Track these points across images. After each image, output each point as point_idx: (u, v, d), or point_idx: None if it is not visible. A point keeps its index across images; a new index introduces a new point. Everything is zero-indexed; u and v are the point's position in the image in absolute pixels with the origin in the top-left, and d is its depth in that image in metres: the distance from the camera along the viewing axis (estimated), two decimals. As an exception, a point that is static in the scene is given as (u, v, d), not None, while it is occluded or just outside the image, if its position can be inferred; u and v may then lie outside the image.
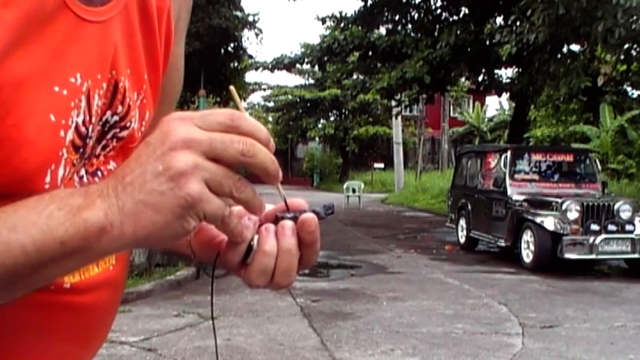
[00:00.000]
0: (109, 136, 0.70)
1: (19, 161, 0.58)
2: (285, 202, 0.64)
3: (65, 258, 0.54)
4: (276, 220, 0.64)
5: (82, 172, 0.68)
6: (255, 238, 0.63)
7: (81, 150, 0.65)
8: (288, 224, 0.63)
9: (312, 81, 39.21)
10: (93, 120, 0.65)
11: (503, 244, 10.14)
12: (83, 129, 0.64)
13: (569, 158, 11.06)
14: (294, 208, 0.65)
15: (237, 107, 0.61)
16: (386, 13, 16.97)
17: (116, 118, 0.69)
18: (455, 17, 16.66)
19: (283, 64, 19.94)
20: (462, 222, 11.77)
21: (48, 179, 0.61)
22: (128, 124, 0.71)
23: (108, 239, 0.54)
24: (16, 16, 0.56)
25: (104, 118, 0.68)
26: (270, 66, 20.74)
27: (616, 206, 8.99)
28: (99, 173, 0.71)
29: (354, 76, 21.47)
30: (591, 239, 8.76)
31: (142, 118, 0.74)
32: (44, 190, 0.61)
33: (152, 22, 0.74)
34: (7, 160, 0.57)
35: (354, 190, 22.17)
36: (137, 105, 0.72)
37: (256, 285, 0.64)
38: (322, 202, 0.62)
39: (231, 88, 0.67)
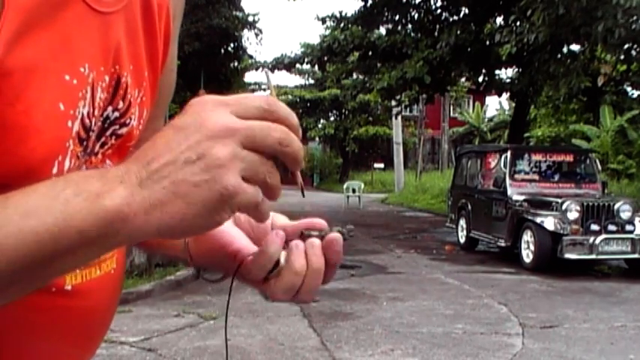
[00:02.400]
0: (108, 132, 0.69)
1: (27, 150, 0.57)
2: (302, 189, 0.62)
3: (83, 247, 0.51)
4: (301, 236, 0.63)
5: (83, 168, 0.67)
6: (283, 254, 0.63)
7: (84, 143, 0.65)
8: (317, 243, 0.62)
9: (312, 81, 39.21)
10: (96, 113, 0.65)
11: (503, 244, 10.14)
12: (87, 121, 0.64)
13: (570, 158, 11.06)
14: (316, 227, 0.65)
15: (270, 92, 0.60)
16: (386, 13, 16.97)
17: (117, 114, 0.69)
18: (455, 17, 16.67)
19: (283, 64, 19.94)
20: (462, 222, 11.77)
21: (55, 170, 0.60)
22: (128, 121, 0.71)
23: (129, 229, 0.51)
24: (30, 0, 0.56)
25: (105, 114, 0.67)
26: (270, 66, 20.73)
27: (616, 206, 8.99)
28: None
29: (354, 76, 21.46)
30: (591, 239, 8.76)
31: (140, 115, 0.74)
32: None
33: (153, 20, 0.73)
34: (15, 148, 0.56)
35: (354, 190, 22.16)
36: (137, 102, 0.72)
37: (279, 300, 0.64)
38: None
39: (266, 70, 0.67)
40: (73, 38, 0.60)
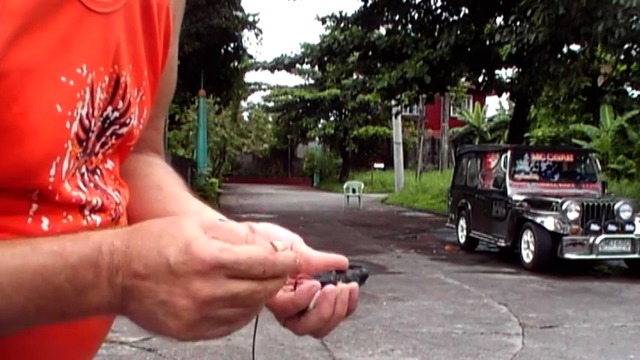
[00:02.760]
0: (108, 132, 0.69)
1: (25, 152, 0.57)
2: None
3: (61, 321, 0.58)
4: (325, 277, 0.67)
5: (83, 169, 0.67)
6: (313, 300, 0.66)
7: (84, 144, 0.65)
8: (347, 291, 0.67)
9: (312, 81, 39.21)
10: (95, 113, 0.65)
11: (503, 244, 10.14)
12: (87, 122, 0.64)
13: (570, 158, 11.06)
14: (339, 265, 0.69)
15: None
16: (386, 13, 16.97)
17: (116, 114, 0.69)
18: (455, 17, 16.66)
19: (283, 64, 19.94)
20: (462, 222, 11.77)
21: (53, 172, 0.60)
22: (127, 121, 0.71)
23: (104, 316, 0.61)
24: (27, 3, 0.56)
25: (105, 114, 0.67)
26: (270, 66, 20.74)
27: (616, 206, 8.99)
28: (98, 172, 0.70)
29: (354, 76, 21.47)
30: (591, 239, 8.75)
31: (140, 115, 0.74)
32: (49, 184, 0.61)
33: (153, 19, 0.73)
34: (12, 151, 0.56)
35: (354, 190, 22.17)
36: (137, 102, 0.72)
37: (301, 334, 0.69)
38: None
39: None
40: (70, 39, 0.60)
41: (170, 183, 0.85)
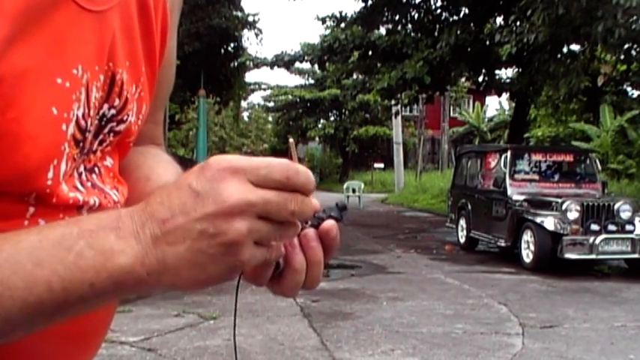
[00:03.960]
0: (105, 130, 0.68)
1: (21, 157, 0.56)
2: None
3: (93, 298, 0.53)
4: None
5: (81, 168, 0.67)
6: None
7: (81, 144, 0.64)
8: (312, 235, 0.61)
9: (312, 81, 39.21)
10: (91, 113, 0.64)
11: (503, 244, 10.14)
12: (83, 122, 0.63)
13: (570, 158, 11.06)
14: None
15: (291, 157, 0.59)
16: (386, 13, 16.96)
17: (113, 111, 0.68)
18: (455, 17, 16.66)
19: (283, 61, 19.92)
20: (462, 222, 11.77)
21: (50, 175, 0.60)
22: (125, 118, 0.70)
23: (142, 286, 0.54)
24: (18, 5, 0.55)
25: (101, 112, 0.66)
26: (269, 63, 20.71)
27: (616, 206, 8.99)
28: (96, 170, 0.70)
29: (354, 76, 21.46)
30: (591, 239, 8.76)
31: (139, 111, 0.73)
32: (46, 187, 0.60)
33: (150, 13, 0.72)
34: (8, 156, 0.56)
35: (354, 190, 22.17)
36: (135, 98, 0.71)
37: (289, 296, 0.65)
38: (323, 202, 0.61)
39: (291, 141, 0.65)
40: (64, 40, 0.59)
41: (159, 172, 0.82)
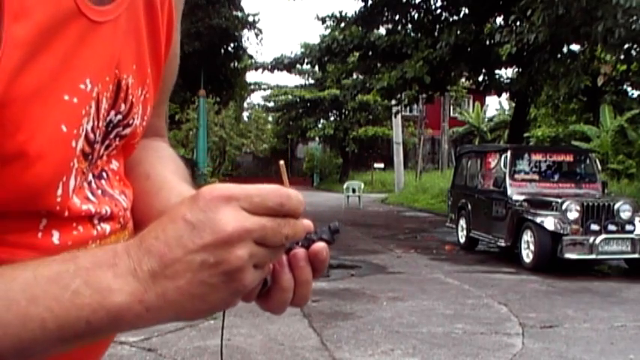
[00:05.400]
0: (112, 135, 0.68)
1: (31, 177, 0.55)
2: None
3: (90, 335, 0.52)
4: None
5: (90, 176, 0.66)
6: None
7: (90, 157, 0.63)
8: (301, 255, 0.61)
9: (312, 81, 39.21)
10: (100, 124, 0.63)
11: (503, 244, 10.14)
12: (92, 135, 0.62)
13: (569, 158, 11.06)
14: None
15: (282, 181, 0.61)
16: (386, 13, 16.97)
17: (119, 117, 0.67)
18: (455, 17, 16.67)
19: (283, 64, 19.94)
20: (462, 222, 11.77)
21: (59, 192, 0.59)
22: (131, 122, 0.70)
23: (141, 322, 0.53)
24: (30, 31, 0.53)
25: (108, 119, 0.66)
26: (270, 66, 20.72)
27: (616, 206, 8.99)
28: (104, 174, 0.69)
29: (354, 76, 21.47)
30: (591, 239, 8.76)
31: (144, 113, 0.72)
32: (56, 204, 0.59)
33: (156, 13, 0.71)
34: (19, 177, 0.54)
35: (354, 190, 22.17)
36: (140, 101, 0.71)
37: (277, 314, 0.66)
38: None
39: (281, 163, 0.65)
40: (72, 57, 0.58)
41: (159, 169, 0.82)
